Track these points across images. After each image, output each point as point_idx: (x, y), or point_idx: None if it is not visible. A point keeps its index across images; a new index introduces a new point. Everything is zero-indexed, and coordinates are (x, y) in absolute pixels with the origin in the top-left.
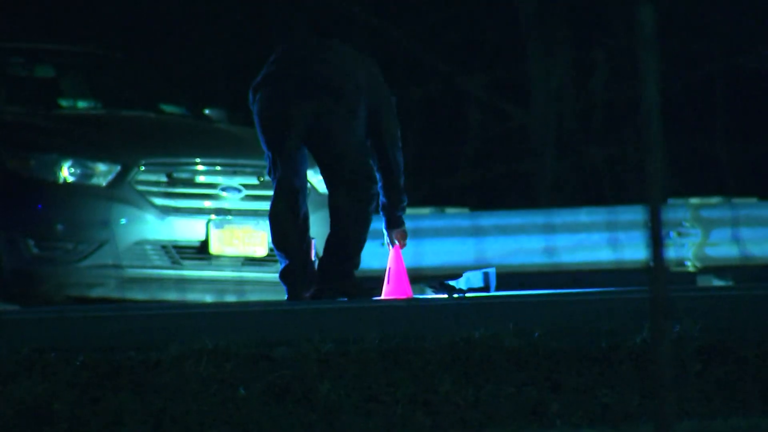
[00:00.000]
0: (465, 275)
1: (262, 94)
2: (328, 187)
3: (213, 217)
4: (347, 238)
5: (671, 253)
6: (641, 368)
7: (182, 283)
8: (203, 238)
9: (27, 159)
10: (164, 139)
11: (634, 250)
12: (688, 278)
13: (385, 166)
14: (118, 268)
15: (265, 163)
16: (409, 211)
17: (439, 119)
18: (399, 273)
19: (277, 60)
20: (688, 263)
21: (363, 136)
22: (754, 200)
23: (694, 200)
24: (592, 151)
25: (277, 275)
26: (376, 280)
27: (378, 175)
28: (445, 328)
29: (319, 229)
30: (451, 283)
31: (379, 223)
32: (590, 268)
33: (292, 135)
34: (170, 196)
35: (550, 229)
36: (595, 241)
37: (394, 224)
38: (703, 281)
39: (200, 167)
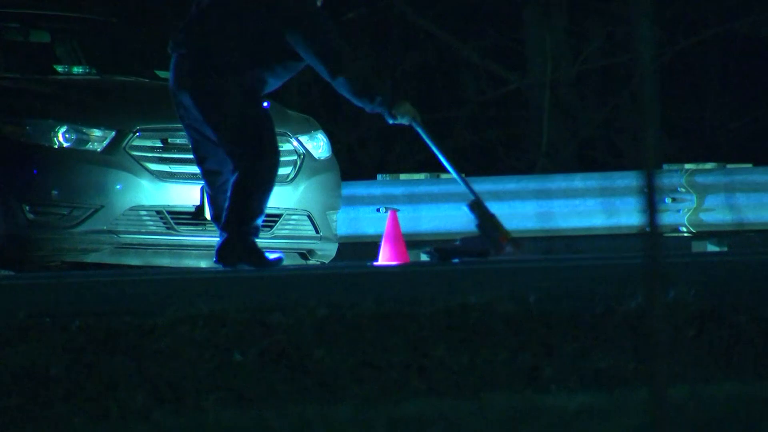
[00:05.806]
0: (461, 240)
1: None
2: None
3: None
4: (235, 207)
5: (666, 218)
6: (636, 333)
7: (177, 248)
8: (198, 203)
9: (22, 124)
10: (159, 104)
11: (628, 216)
12: (683, 244)
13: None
14: (113, 234)
15: None
16: (404, 176)
17: (435, 84)
18: (395, 238)
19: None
20: (683, 229)
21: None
22: (748, 166)
23: (689, 166)
24: (587, 117)
25: (274, 240)
26: (372, 246)
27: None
28: (441, 293)
29: (313, 195)
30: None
31: (372, 189)
32: (585, 233)
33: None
34: (165, 161)
35: (544, 194)
36: (590, 206)
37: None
38: (697, 247)
39: None
